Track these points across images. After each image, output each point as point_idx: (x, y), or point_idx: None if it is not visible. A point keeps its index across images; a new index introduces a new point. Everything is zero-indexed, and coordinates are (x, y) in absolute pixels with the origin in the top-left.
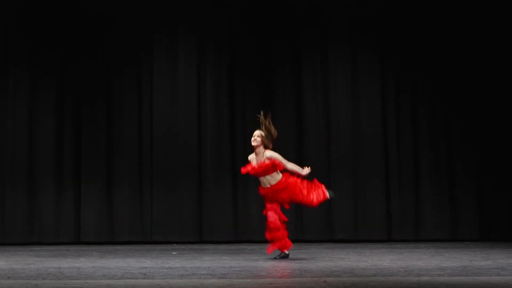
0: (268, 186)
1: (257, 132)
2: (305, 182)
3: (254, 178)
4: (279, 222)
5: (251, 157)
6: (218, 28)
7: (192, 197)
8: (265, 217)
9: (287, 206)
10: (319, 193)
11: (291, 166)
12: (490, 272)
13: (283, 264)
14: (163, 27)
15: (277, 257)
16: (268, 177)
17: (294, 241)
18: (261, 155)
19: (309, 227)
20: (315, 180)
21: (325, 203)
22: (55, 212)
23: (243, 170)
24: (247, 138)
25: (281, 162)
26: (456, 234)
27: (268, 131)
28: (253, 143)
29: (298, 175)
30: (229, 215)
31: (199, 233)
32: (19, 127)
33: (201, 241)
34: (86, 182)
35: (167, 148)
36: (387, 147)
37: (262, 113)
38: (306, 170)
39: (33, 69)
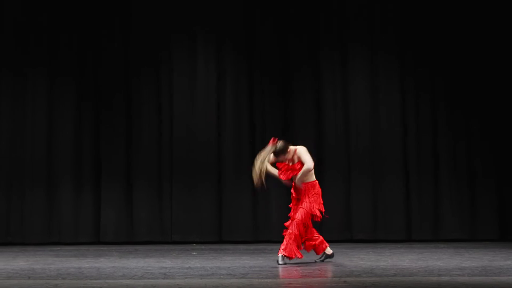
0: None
1: (279, 157)
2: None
3: (272, 179)
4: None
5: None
6: (237, 27)
7: (211, 197)
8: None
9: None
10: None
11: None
12: (510, 272)
13: (303, 264)
14: (181, 26)
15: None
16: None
17: None
18: (291, 156)
19: (328, 227)
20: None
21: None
22: (74, 212)
23: (283, 177)
24: (266, 137)
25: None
26: (476, 234)
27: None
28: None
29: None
30: (248, 215)
31: (218, 233)
32: (38, 128)
33: (221, 241)
34: (106, 182)
35: (186, 148)
36: (406, 147)
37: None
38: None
39: (51, 70)
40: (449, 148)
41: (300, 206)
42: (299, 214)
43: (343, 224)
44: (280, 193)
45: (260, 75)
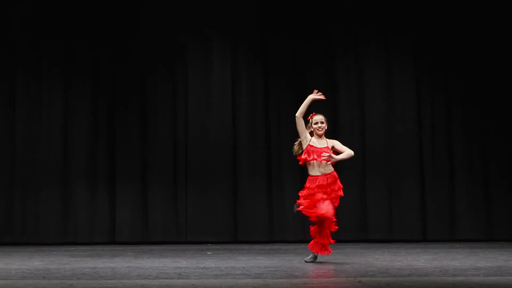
0: (319, 173)
1: (321, 117)
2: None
3: (289, 178)
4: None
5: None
6: (251, 29)
7: (226, 197)
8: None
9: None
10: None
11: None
12: None
13: (318, 264)
14: (197, 28)
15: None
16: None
17: None
18: (324, 141)
19: (344, 227)
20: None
21: (358, 204)
22: (90, 212)
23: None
24: (281, 137)
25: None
26: (491, 234)
27: None
28: (320, 132)
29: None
30: (263, 215)
31: (233, 233)
32: (53, 128)
33: (236, 241)
34: (121, 182)
35: (201, 148)
36: (421, 147)
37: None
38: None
39: (66, 70)
40: (464, 148)
41: (330, 202)
42: (329, 211)
43: (358, 224)
44: (295, 193)
45: (274, 76)
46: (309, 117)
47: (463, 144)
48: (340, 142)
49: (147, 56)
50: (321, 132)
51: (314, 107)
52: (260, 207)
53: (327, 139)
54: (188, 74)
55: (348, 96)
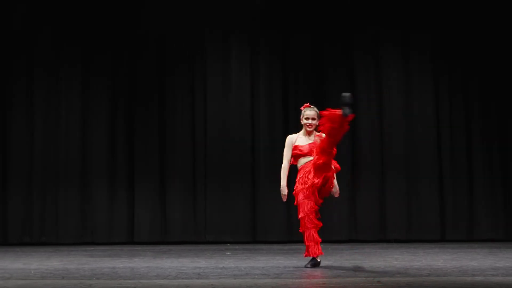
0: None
1: (313, 113)
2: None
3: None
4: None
5: (298, 138)
6: (270, 27)
7: (245, 197)
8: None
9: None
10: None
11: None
12: None
13: (337, 264)
14: (215, 26)
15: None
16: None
17: (347, 241)
18: (312, 137)
19: (363, 227)
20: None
21: (378, 202)
22: (108, 212)
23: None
24: None
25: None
26: (510, 234)
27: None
28: (310, 129)
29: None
30: (282, 215)
31: (252, 233)
32: (72, 128)
33: (255, 241)
34: (140, 182)
35: (220, 147)
36: (440, 147)
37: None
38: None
39: (85, 69)
40: (483, 148)
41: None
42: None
43: (377, 224)
44: None
45: (294, 75)
46: (302, 107)
47: (482, 143)
48: (359, 142)
49: (166, 56)
50: (310, 129)
51: (331, 103)
52: (279, 207)
53: (316, 132)
54: (207, 74)
55: (367, 96)
